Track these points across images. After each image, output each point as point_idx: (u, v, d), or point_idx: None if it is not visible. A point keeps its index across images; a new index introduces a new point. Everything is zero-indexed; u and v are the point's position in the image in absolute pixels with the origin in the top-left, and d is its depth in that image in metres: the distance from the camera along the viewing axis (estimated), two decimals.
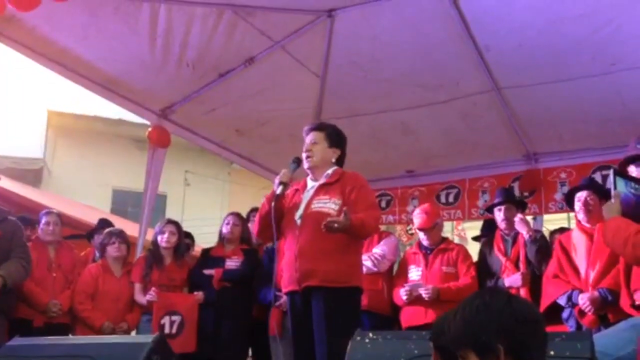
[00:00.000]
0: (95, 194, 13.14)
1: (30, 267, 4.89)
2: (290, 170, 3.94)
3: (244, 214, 5.93)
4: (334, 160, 3.98)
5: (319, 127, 4.05)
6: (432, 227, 5.26)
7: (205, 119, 6.23)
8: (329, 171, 3.93)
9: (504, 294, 1.89)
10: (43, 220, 5.37)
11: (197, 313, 5.29)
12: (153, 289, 5.27)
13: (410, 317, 5.00)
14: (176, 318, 5.21)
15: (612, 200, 3.19)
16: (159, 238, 5.56)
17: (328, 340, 3.48)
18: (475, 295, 1.88)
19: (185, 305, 5.31)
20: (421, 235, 5.33)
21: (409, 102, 5.97)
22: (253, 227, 4.22)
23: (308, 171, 3.99)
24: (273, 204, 3.78)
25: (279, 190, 3.83)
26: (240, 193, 14.23)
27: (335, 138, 4.01)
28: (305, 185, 4.01)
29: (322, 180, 3.91)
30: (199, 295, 5.36)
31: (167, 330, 5.11)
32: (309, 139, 3.98)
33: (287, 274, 3.81)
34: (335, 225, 3.52)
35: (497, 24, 4.94)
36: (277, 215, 3.79)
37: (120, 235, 5.59)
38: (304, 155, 3.95)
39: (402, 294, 5.00)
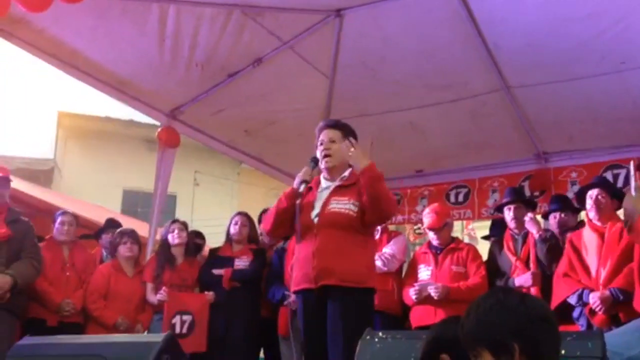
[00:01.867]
0: (106, 194, 13.18)
1: (41, 267, 4.92)
2: (311, 169, 3.91)
3: (253, 214, 5.94)
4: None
5: (335, 125, 3.99)
6: (442, 227, 5.25)
7: (214, 120, 6.24)
8: (346, 173, 3.91)
9: (517, 293, 1.89)
10: (58, 220, 5.41)
11: (207, 313, 5.30)
12: (164, 288, 5.29)
13: (419, 316, 4.99)
14: (187, 318, 5.22)
15: (633, 192, 3.06)
16: (169, 237, 5.58)
17: (343, 341, 3.46)
18: (488, 294, 1.88)
19: (196, 305, 5.32)
20: (431, 235, 5.32)
21: (418, 102, 5.96)
22: (264, 224, 4.20)
23: (323, 171, 3.96)
24: (297, 201, 3.78)
25: (301, 188, 3.81)
26: (249, 193, 14.24)
27: (351, 137, 3.95)
28: (318, 184, 3.98)
29: (338, 182, 3.88)
30: (210, 295, 5.37)
31: (177, 330, 5.12)
32: (324, 136, 3.92)
33: (300, 272, 3.78)
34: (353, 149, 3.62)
35: (506, 23, 4.93)
36: (294, 212, 3.80)
37: (132, 235, 5.62)
38: (321, 153, 3.89)
39: (411, 293, 4.99)
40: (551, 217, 5.37)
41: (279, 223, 3.92)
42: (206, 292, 5.41)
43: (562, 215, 5.23)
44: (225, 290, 5.37)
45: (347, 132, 3.96)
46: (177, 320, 5.18)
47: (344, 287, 3.61)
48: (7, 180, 4.98)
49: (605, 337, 2.56)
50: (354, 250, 3.70)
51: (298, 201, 3.81)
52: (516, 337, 1.73)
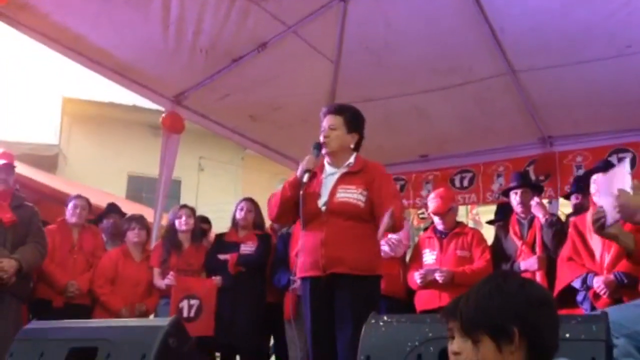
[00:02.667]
0: (111, 179, 13.20)
1: (46, 252, 4.95)
2: (314, 157, 3.86)
3: (258, 199, 5.95)
4: (352, 146, 3.89)
5: (337, 110, 3.92)
6: (447, 212, 5.25)
7: (219, 105, 6.24)
8: (351, 159, 3.87)
9: (516, 278, 1.91)
10: (72, 203, 5.45)
11: (215, 297, 5.33)
12: (171, 272, 5.32)
13: (424, 300, 5.01)
14: (194, 302, 5.25)
15: (631, 190, 2.84)
16: (176, 223, 5.60)
17: (352, 326, 3.45)
18: (487, 279, 1.89)
19: (203, 289, 5.35)
20: (436, 220, 5.32)
21: (423, 87, 5.95)
22: (269, 212, 4.20)
23: (326, 156, 3.92)
24: (301, 192, 3.74)
25: (305, 178, 3.76)
26: (254, 178, 14.25)
27: (354, 122, 3.90)
28: (322, 169, 3.94)
29: (344, 169, 3.86)
30: (218, 279, 5.40)
31: (185, 314, 5.16)
32: (326, 122, 3.87)
33: (309, 259, 3.77)
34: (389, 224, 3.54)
35: (512, 7, 4.91)
36: (303, 201, 3.77)
37: (140, 220, 5.65)
38: (322, 140, 3.86)
39: (416, 277, 5.01)
40: (573, 197, 5.45)
41: (284, 211, 3.91)
42: (214, 277, 5.43)
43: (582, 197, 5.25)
44: (231, 275, 5.39)
45: (350, 117, 3.90)
46: (184, 304, 5.21)
47: (354, 275, 3.62)
48: (11, 167, 4.99)
49: (610, 311, 2.57)
50: (363, 239, 3.70)
51: (301, 192, 3.76)
52: (515, 321, 1.75)
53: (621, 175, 2.86)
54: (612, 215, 2.84)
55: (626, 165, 2.88)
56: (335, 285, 3.66)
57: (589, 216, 4.42)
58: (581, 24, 4.89)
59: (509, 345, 1.75)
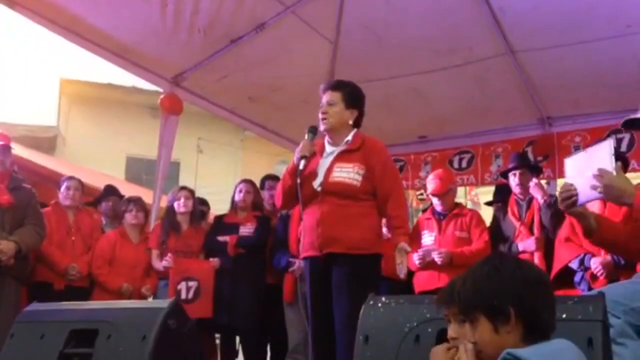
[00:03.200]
0: (109, 161, 13.20)
1: (44, 233, 4.95)
2: (309, 141, 3.84)
3: (257, 181, 5.96)
4: (351, 122, 3.86)
5: (335, 86, 3.89)
6: (445, 193, 5.26)
7: (218, 86, 6.22)
8: (349, 137, 3.84)
9: (512, 259, 1.93)
10: (64, 185, 5.44)
11: (213, 279, 5.35)
12: (169, 254, 5.33)
13: (423, 282, 5.03)
14: (192, 284, 5.27)
15: (614, 172, 2.75)
16: (175, 205, 5.61)
17: (348, 306, 3.47)
18: (484, 261, 1.91)
19: (201, 271, 5.37)
20: (435, 201, 5.33)
21: (422, 67, 5.93)
22: (276, 201, 4.18)
23: (325, 133, 3.89)
24: (298, 180, 3.73)
25: (301, 165, 3.75)
26: (253, 160, 14.26)
27: (353, 98, 3.87)
28: (322, 149, 3.91)
29: (342, 147, 3.83)
30: (215, 261, 5.41)
31: (183, 296, 5.18)
32: (325, 98, 3.85)
33: (307, 239, 3.79)
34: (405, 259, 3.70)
35: None
36: (301, 187, 3.76)
37: (138, 202, 5.65)
38: (320, 116, 3.83)
39: (415, 258, 5.02)
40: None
41: (288, 199, 3.91)
42: (211, 259, 5.45)
43: None
44: (231, 257, 5.41)
45: (349, 93, 3.87)
46: (182, 286, 5.23)
47: (350, 254, 3.62)
48: (8, 148, 4.96)
49: (607, 289, 2.58)
50: (359, 218, 3.69)
51: (298, 180, 3.75)
52: (512, 301, 1.77)
53: (603, 156, 2.77)
54: (587, 194, 2.77)
55: (610, 146, 2.81)
56: (332, 264, 3.66)
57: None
58: (581, 4, 4.87)
59: (506, 326, 1.77)
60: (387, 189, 3.78)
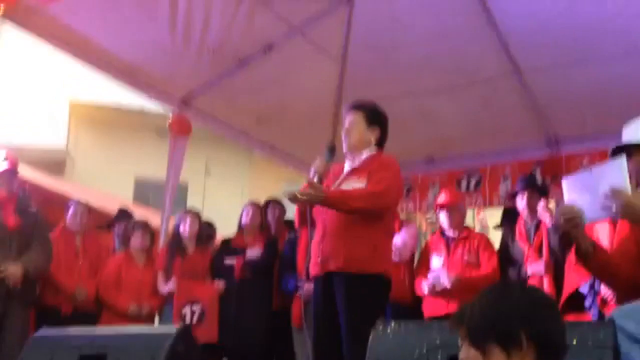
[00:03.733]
0: (118, 183, 13.22)
1: (51, 256, 4.97)
2: (325, 159, 3.77)
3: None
4: (373, 140, 3.84)
5: (356, 106, 3.92)
6: (455, 206, 5.25)
7: (226, 107, 6.24)
8: (363, 155, 3.81)
9: (517, 284, 1.92)
10: (71, 209, 5.46)
11: (217, 302, 5.32)
12: (173, 278, 5.32)
13: (432, 307, 5.01)
14: (197, 308, 5.26)
15: (629, 190, 2.68)
16: (180, 227, 5.62)
17: (349, 328, 3.42)
18: (489, 289, 1.90)
19: (206, 294, 5.36)
20: (443, 217, 5.30)
21: (429, 87, 5.93)
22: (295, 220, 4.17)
23: (347, 153, 3.87)
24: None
25: (315, 180, 3.69)
26: (261, 182, 14.24)
27: (374, 117, 3.88)
28: (342, 170, 3.88)
29: (356, 164, 3.81)
30: (220, 284, 5.39)
31: (188, 320, 5.16)
32: (347, 120, 3.87)
33: (313, 258, 3.73)
34: (298, 196, 3.47)
35: (518, 6, 4.90)
36: (312, 206, 3.71)
37: (144, 226, 5.66)
38: (343, 137, 3.85)
39: (424, 287, 4.99)
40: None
41: (304, 218, 3.84)
42: (216, 282, 5.43)
43: None
44: (237, 280, 5.39)
45: (370, 112, 3.89)
46: (187, 310, 5.22)
47: (347, 273, 3.52)
48: (15, 172, 5.00)
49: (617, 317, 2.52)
50: (358, 234, 3.57)
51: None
52: (522, 324, 1.75)
53: (614, 174, 2.68)
54: (593, 215, 2.68)
55: (622, 164, 2.70)
56: (332, 284, 3.57)
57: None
58: (587, 23, 4.86)
59: (518, 351, 1.74)
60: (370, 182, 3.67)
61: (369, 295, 3.53)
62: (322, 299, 3.64)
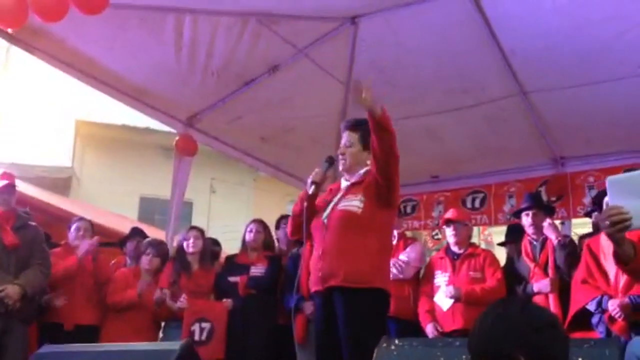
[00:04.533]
0: (123, 202, 13.26)
1: (50, 272, 4.96)
2: (323, 170, 3.84)
3: (269, 221, 5.95)
4: (369, 162, 3.83)
5: (353, 126, 3.91)
6: (461, 222, 5.25)
7: (231, 127, 6.28)
8: (361, 171, 3.84)
9: (517, 303, 1.89)
10: (74, 226, 5.47)
11: (226, 321, 5.32)
12: (184, 296, 5.30)
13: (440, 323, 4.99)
14: (206, 325, 5.24)
15: None
16: (184, 244, 5.62)
17: (351, 342, 3.42)
18: (489, 308, 1.88)
19: (214, 312, 5.34)
20: (448, 233, 5.30)
21: (434, 108, 5.96)
22: (288, 229, 4.19)
23: (343, 173, 3.91)
24: (305, 204, 3.73)
25: (311, 190, 3.76)
26: (265, 200, 14.27)
27: (369, 138, 3.84)
28: (339, 187, 3.92)
29: (352, 180, 3.83)
30: (228, 302, 5.38)
31: (197, 337, 5.14)
32: (344, 139, 3.89)
33: (312, 274, 3.75)
34: (363, 95, 3.49)
35: (523, 28, 4.91)
36: (309, 215, 3.74)
37: (157, 247, 5.64)
38: (339, 156, 3.88)
39: (428, 330, 4.98)
40: (593, 216, 5.31)
41: (297, 226, 3.89)
42: (224, 300, 5.42)
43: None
44: (241, 297, 5.38)
45: (366, 133, 3.80)
46: (196, 327, 5.20)
47: (348, 287, 3.53)
48: (12, 187, 4.99)
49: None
50: (360, 250, 3.59)
51: (306, 203, 3.74)
52: (520, 347, 1.72)
53: None
54: None
55: None
56: (334, 299, 3.58)
57: (603, 239, 4.37)
58: (592, 45, 4.89)
59: None
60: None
61: (370, 309, 3.55)
62: (323, 313, 3.66)
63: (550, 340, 1.77)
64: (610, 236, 2.50)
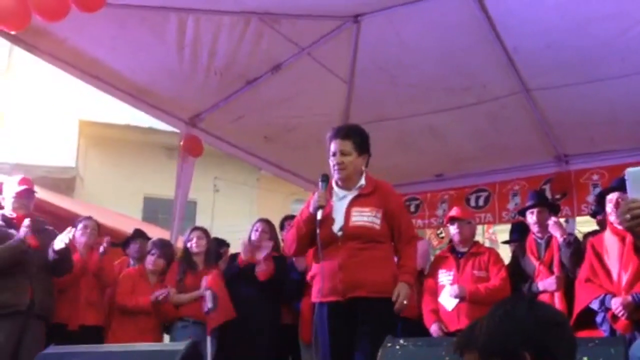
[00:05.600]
0: (127, 201, 13.26)
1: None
2: (322, 190, 3.82)
3: (273, 220, 5.95)
4: (364, 167, 3.89)
5: (345, 135, 3.87)
6: (466, 220, 5.25)
7: (234, 127, 6.28)
8: (362, 181, 3.86)
9: (524, 300, 1.88)
10: (81, 224, 5.48)
11: (223, 284, 5.40)
12: (168, 287, 5.36)
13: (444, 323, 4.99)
14: (208, 292, 5.27)
15: None
16: (188, 245, 5.64)
17: (371, 349, 3.40)
18: (497, 305, 1.88)
19: (210, 280, 5.37)
20: (452, 231, 5.29)
21: (437, 106, 5.96)
22: (287, 249, 4.22)
23: (338, 180, 3.90)
24: (317, 230, 3.72)
25: (319, 216, 3.73)
26: (268, 199, 14.26)
27: (363, 144, 3.89)
28: (331, 192, 3.90)
29: (356, 192, 3.85)
30: (217, 269, 5.46)
31: (210, 305, 5.20)
32: (336, 147, 3.83)
33: (327, 285, 3.73)
34: (405, 302, 3.67)
35: (525, 26, 4.91)
36: (313, 234, 3.76)
37: (162, 247, 5.63)
38: (334, 166, 3.83)
39: (432, 329, 4.98)
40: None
41: (301, 246, 3.93)
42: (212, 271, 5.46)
43: None
44: (246, 296, 5.38)
45: (359, 140, 3.88)
46: (207, 294, 5.24)
47: (373, 297, 3.64)
48: (31, 192, 5.09)
49: None
50: (380, 261, 3.73)
51: (318, 230, 3.73)
52: (526, 345, 1.71)
53: None
54: None
55: None
56: (356, 308, 3.66)
57: (606, 237, 4.36)
58: (595, 43, 4.88)
59: None
60: (404, 231, 3.86)
61: (392, 315, 3.71)
62: (342, 322, 3.70)
63: (557, 339, 1.77)
64: (630, 230, 2.47)
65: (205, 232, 5.79)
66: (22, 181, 5.08)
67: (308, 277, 4.06)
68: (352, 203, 3.82)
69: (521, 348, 1.72)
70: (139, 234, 6.19)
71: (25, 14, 4.09)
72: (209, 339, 5.24)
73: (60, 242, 4.76)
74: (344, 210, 3.80)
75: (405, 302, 3.66)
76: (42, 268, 4.82)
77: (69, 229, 4.90)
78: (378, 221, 3.75)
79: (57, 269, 4.93)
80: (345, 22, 5.23)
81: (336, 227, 3.76)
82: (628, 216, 2.37)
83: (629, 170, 2.56)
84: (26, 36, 4.78)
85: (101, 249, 5.32)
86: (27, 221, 4.84)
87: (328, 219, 3.79)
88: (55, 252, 4.78)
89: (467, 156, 6.73)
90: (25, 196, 5.01)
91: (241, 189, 14.86)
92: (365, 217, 3.75)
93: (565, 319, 1.89)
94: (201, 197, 13.61)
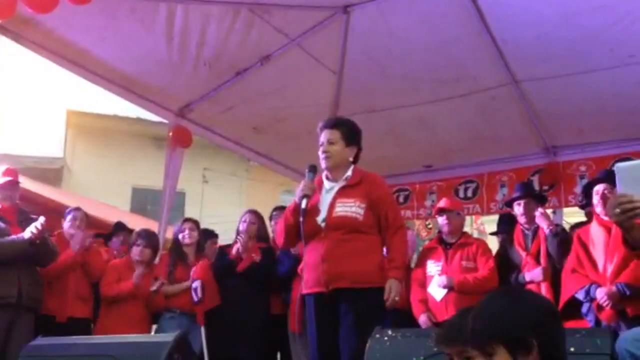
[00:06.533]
0: (115, 192, 13.22)
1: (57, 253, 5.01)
2: (309, 180, 3.85)
3: (262, 211, 5.94)
4: (351, 159, 3.91)
5: (334, 124, 3.92)
6: (454, 211, 5.26)
7: (223, 117, 6.26)
8: (349, 172, 3.88)
9: (527, 291, 1.91)
10: (70, 216, 5.46)
11: (210, 274, 5.39)
12: (160, 278, 5.36)
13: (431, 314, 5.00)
14: (197, 284, 5.27)
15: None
16: (180, 236, 5.63)
17: (357, 340, 3.43)
18: (502, 291, 1.90)
19: (198, 271, 5.37)
20: (441, 221, 5.30)
21: (427, 97, 5.96)
22: (277, 240, 4.22)
23: (325, 171, 3.93)
24: (301, 218, 3.73)
25: (303, 204, 3.74)
26: (258, 190, 14.26)
27: (352, 136, 3.91)
28: (321, 185, 3.94)
29: (342, 183, 3.86)
30: (204, 260, 5.47)
31: (199, 295, 5.20)
32: (324, 137, 3.88)
33: (311, 275, 3.77)
34: (397, 299, 3.66)
35: (514, 17, 4.91)
36: (305, 228, 3.76)
37: (147, 238, 5.56)
38: (321, 155, 3.86)
39: (421, 320, 4.99)
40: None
41: (290, 237, 3.93)
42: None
43: None
44: (235, 287, 5.38)
45: (347, 131, 3.91)
46: (197, 284, 5.24)
47: (356, 288, 3.63)
48: (16, 183, 5.06)
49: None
50: (364, 252, 3.71)
51: (301, 218, 3.74)
52: (535, 332, 1.73)
53: None
54: None
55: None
56: (339, 299, 3.66)
57: (593, 229, 4.39)
58: (584, 34, 4.89)
59: (525, 357, 1.73)
60: (391, 221, 3.83)
61: (377, 306, 3.66)
62: (326, 313, 3.71)
63: (558, 330, 1.81)
64: (619, 224, 2.51)
65: (196, 223, 5.78)
66: (6, 172, 5.06)
67: (299, 269, 4.07)
68: (338, 194, 3.83)
69: (530, 334, 1.72)
70: (120, 228, 6.18)
71: (11, 2, 4.05)
72: (202, 329, 5.23)
73: (27, 232, 4.72)
74: (329, 201, 3.81)
75: (397, 298, 3.66)
76: (27, 260, 4.80)
77: (40, 217, 4.85)
78: (362, 212, 3.74)
79: (37, 259, 4.89)
80: (334, 12, 5.22)
81: (320, 218, 3.78)
82: (617, 210, 2.44)
83: (619, 165, 2.60)
84: (13, 25, 4.74)
85: (75, 240, 5.27)
86: (42, 219, 4.79)
87: (314, 210, 3.80)
88: (28, 243, 4.74)
89: (456, 147, 6.75)
90: (9, 187, 4.99)
91: (230, 179, 14.85)
92: (348, 207, 3.76)
93: (559, 313, 1.91)
94: (190, 187, 13.58)
